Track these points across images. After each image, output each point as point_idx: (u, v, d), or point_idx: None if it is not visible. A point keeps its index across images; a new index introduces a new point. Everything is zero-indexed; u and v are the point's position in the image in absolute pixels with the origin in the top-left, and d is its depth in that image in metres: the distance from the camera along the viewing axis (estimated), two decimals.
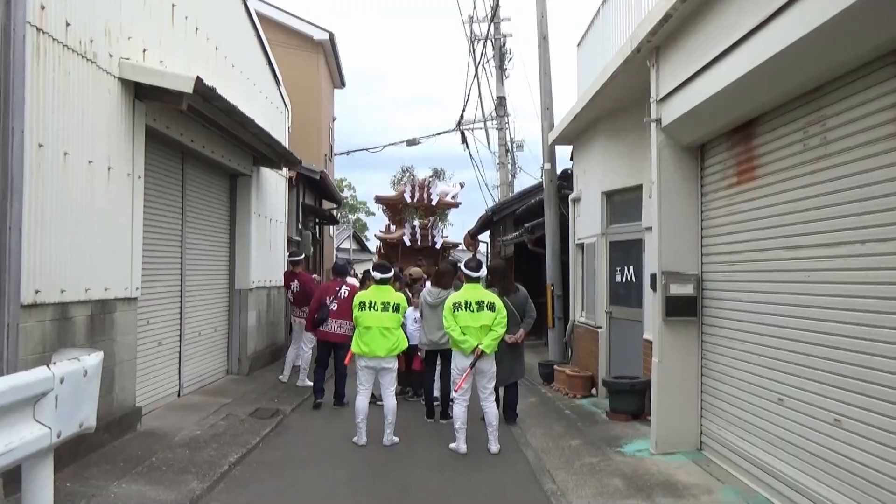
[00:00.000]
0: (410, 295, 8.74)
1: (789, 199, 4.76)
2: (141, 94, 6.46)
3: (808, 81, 4.39)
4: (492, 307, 6.48)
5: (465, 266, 6.74)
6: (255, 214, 10.44)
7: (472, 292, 6.55)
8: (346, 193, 58.63)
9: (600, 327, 9.00)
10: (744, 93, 4.91)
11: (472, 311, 6.44)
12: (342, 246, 43.93)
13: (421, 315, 7.97)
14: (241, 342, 10.07)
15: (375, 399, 7.80)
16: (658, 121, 6.28)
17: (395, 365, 6.81)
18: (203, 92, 6.51)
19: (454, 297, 6.62)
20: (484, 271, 6.77)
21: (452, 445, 6.60)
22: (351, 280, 9.30)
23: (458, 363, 6.52)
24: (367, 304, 6.71)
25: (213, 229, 9.42)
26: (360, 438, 6.74)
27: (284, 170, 12.21)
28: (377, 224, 44.71)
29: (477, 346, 6.36)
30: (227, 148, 9.08)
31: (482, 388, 6.57)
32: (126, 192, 6.30)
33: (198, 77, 6.20)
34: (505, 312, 6.54)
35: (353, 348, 6.71)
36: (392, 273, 7.02)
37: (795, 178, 4.69)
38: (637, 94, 7.23)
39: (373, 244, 30.10)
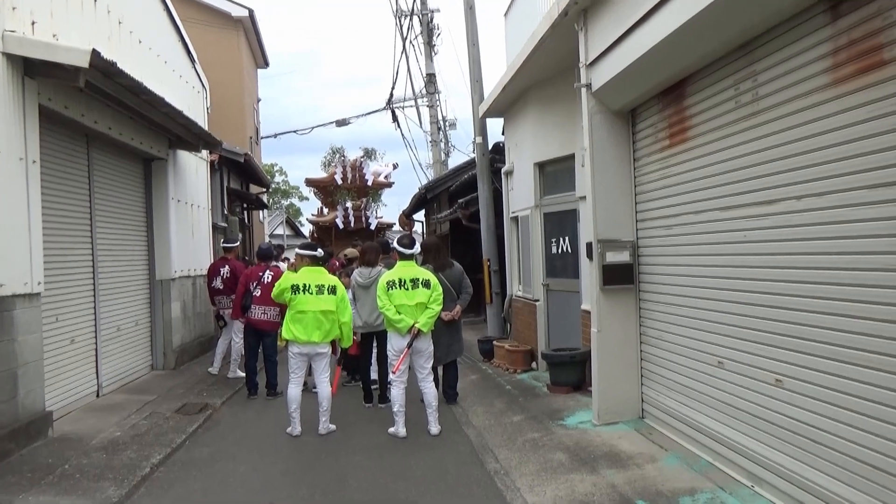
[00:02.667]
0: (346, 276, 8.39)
1: (723, 158, 4.66)
2: (31, 70, 5.88)
3: (738, 35, 4.26)
4: (427, 284, 6.25)
5: (398, 243, 6.47)
6: (174, 200, 9.88)
7: (405, 270, 6.30)
8: (279, 178, 57.31)
9: (538, 300, 8.90)
10: (673, 51, 4.77)
11: (407, 289, 6.20)
12: (276, 232, 42.91)
13: (353, 297, 7.66)
14: (165, 335, 9.56)
15: (308, 387, 7.50)
16: (588, 86, 6.12)
17: (328, 350, 6.50)
18: (102, 67, 5.98)
19: (387, 275, 6.36)
20: (417, 248, 6.52)
21: (391, 430, 6.36)
22: (280, 265, 8.90)
23: (395, 344, 6.28)
24: (302, 288, 6.30)
25: (127, 217, 8.84)
26: (293, 429, 6.43)
27: (205, 153, 11.63)
28: (311, 209, 43.84)
29: (413, 325, 6.13)
30: (137, 130, 8.49)
31: (419, 368, 6.35)
32: (18, 178, 5.73)
33: (94, 50, 5.67)
34: (440, 289, 6.34)
35: (285, 334, 6.32)
36: (320, 252, 6.65)
37: (728, 136, 4.59)
38: (567, 62, 7.06)
39: (307, 229, 29.38)
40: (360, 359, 7.90)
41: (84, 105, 7.00)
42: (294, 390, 6.41)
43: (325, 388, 6.51)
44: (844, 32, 3.48)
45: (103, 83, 6.58)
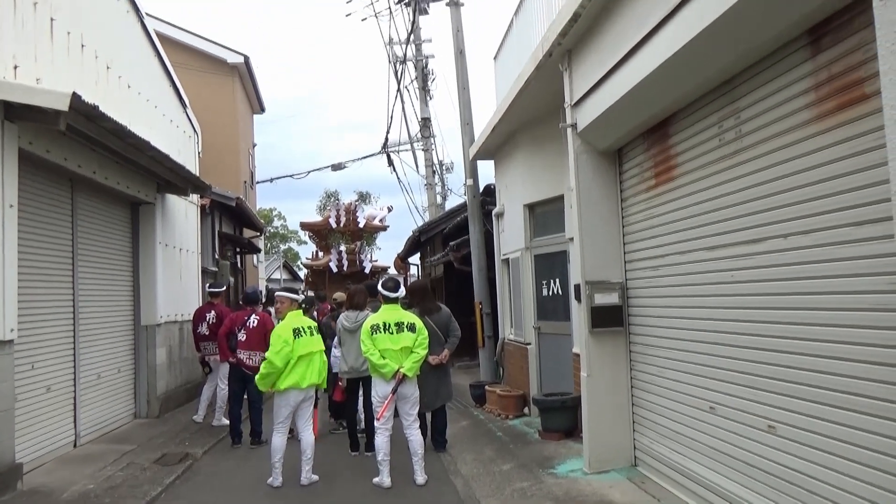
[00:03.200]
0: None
1: (708, 197, 4.57)
2: (12, 114, 5.82)
3: (720, 72, 4.20)
4: (412, 328, 6.11)
5: (383, 286, 6.34)
6: (162, 244, 9.77)
7: (390, 313, 6.17)
8: (277, 223, 57.50)
9: (529, 343, 8.74)
10: (656, 89, 4.72)
11: (392, 333, 6.06)
12: (273, 276, 42.90)
13: (339, 342, 7.49)
14: (149, 382, 9.34)
15: (294, 434, 7.28)
16: (573, 126, 6.08)
17: (314, 395, 6.34)
18: (83, 110, 5.93)
19: (372, 318, 6.23)
20: (402, 291, 6.39)
21: (376, 480, 6.13)
22: (270, 310, 8.74)
23: (379, 390, 6.10)
24: (301, 331, 6.12)
25: (112, 262, 8.72)
26: (275, 479, 6.19)
27: (195, 197, 11.58)
28: (309, 253, 44.00)
29: (398, 370, 5.95)
30: (124, 174, 8.43)
31: (405, 414, 6.16)
32: None
33: (74, 93, 5.62)
34: (426, 333, 6.22)
35: (282, 384, 6.03)
36: (301, 296, 6.52)
37: (713, 174, 4.50)
38: (554, 103, 7.05)
39: (305, 273, 29.24)
40: (345, 405, 7.68)
41: (67, 149, 6.94)
42: (280, 440, 6.20)
43: (309, 435, 6.31)
44: (825, 67, 3.41)
45: (86, 127, 6.52)
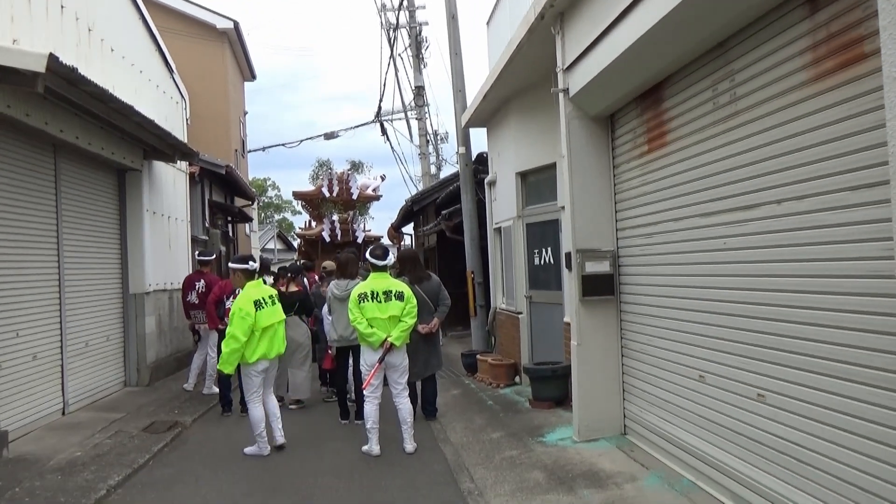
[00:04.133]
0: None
1: (701, 162, 4.46)
2: None
3: (715, 32, 4.07)
4: (400, 296, 6.03)
5: (371, 254, 6.25)
6: (150, 212, 9.65)
7: (378, 281, 6.09)
8: (271, 193, 57.15)
9: (521, 313, 8.70)
10: (649, 51, 4.58)
11: (380, 302, 5.99)
12: (267, 246, 42.75)
13: (329, 310, 7.43)
14: (139, 350, 9.29)
15: (285, 402, 7.27)
16: (565, 90, 5.95)
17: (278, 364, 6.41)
18: (61, 72, 5.74)
19: (359, 287, 6.17)
20: (391, 259, 6.30)
21: (365, 448, 6.11)
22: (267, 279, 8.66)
23: (367, 358, 6.05)
24: (262, 302, 6.04)
25: (98, 229, 8.59)
26: (262, 450, 6.18)
27: (183, 164, 11.43)
28: (302, 223, 43.78)
29: (386, 339, 5.89)
30: (108, 140, 8.26)
31: (394, 383, 6.11)
32: None
33: (51, 54, 5.43)
34: (415, 301, 6.14)
35: (252, 357, 5.97)
36: (252, 265, 6.36)
37: (707, 139, 4.39)
38: (546, 69, 6.89)
39: (297, 243, 29.09)
40: (335, 373, 7.65)
41: (48, 113, 6.77)
42: (258, 411, 6.15)
43: (276, 399, 6.43)
44: (823, 26, 3.28)
45: (66, 90, 6.35)
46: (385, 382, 6.20)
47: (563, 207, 6.88)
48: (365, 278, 7.82)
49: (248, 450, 6.20)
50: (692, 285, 4.66)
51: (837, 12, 3.18)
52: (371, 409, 6.07)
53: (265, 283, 6.64)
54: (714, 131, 4.29)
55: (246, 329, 5.84)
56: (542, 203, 8.31)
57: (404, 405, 6.11)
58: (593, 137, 5.98)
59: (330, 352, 7.66)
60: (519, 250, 8.76)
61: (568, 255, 6.12)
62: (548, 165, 7.90)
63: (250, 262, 6.33)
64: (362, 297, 6.03)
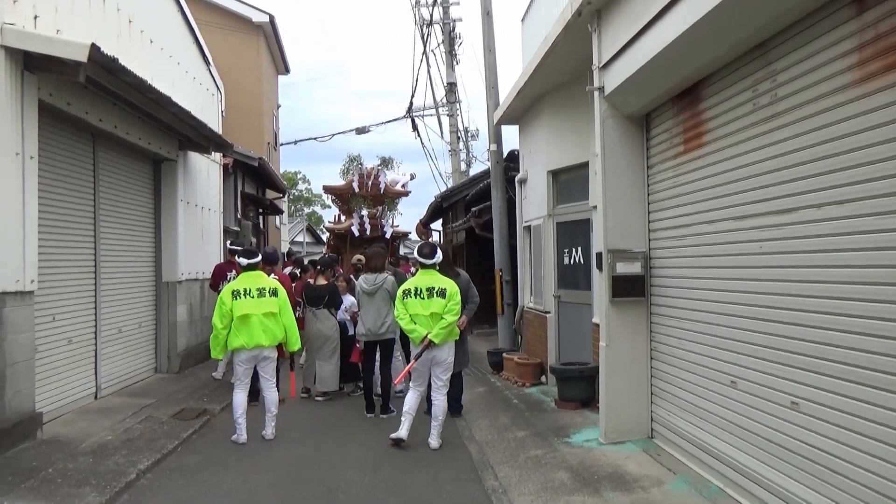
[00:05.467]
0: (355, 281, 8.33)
1: (738, 164, 4.40)
2: (31, 65, 5.78)
3: (756, 33, 4.00)
4: (442, 293, 6.08)
5: (418, 252, 6.34)
6: (184, 202, 9.79)
7: (424, 278, 6.20)
8: (301, 186, 57.62)
9: (549, 312, 8.67)
10: (688, 51, 4.52)
11: (423, 298, 6.08)
12: (296, 239, 43.18)
13: (358, 304, 7.49)
14: (170, 338, 9.44)
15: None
16: (601, 89, 5.91)
17: (275, 355, 6.46)
18: (102, 62, 5.85)
19: (407, 283, 6.30)
20: (439, 256, 6.30)
21: (393, 435, 6.15)
22: (286, 270, 8.77)
23: (414, 350, 6.22)
24: (242, 292, 6.19)
25: (134, 218, 8.75)
26: (239, 436, 6.30)
27: (217, 156, 11.58)
28: (332, 216, 44.15)
29: (426, 336, 5.96)
30: (145, 130, 8.40)
31: (436, 377, 6.19)
32: (14, 174, 5.62)
33: (93, 44, 5.54)
34: (458, 299, 6.15)
35: (230, 344, 6.21)
36: (258, 258, 6.51)
37: (744, 141, 4.32)
38: (581, 66, 6.84)
39: (325, 237, 29.30)
40: (363, 367, 7.70)
41: (88, 102, 6.91)
42: (239, 397, 6.30)
43: (272, 393, 6.49)
44: (871, 26, 3.21)
45: (106, 80, 6.47)
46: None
47: (594, 207, 6.85)
48: (393, 273, 7.88)
49: (233, 436, 6.35)
50: (725, 289, 4.60)
51: (886, 12, 3.11)
52: (412, 396, 6.20)
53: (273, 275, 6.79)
54: (753, 133, 4.22)
55: (221, 316, 6.15)
56: (573, 202, 8.26)
57: (440, 402, 6.16)
58: (627, 136, 5.93)
59: (358, 345, 7.70)
60: (548, 249, 8.73)
61: (599, 256, 6.08)
62: (580, 164, 7.85)
63: (241, 259, 6.44)
64: (406, 293, 6.13)
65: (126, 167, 8.51)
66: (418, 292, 6.09)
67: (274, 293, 6.31)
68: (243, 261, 6.41)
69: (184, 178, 9.85)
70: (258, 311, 6.19)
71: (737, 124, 4.42)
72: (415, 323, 6.05)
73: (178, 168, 9.59)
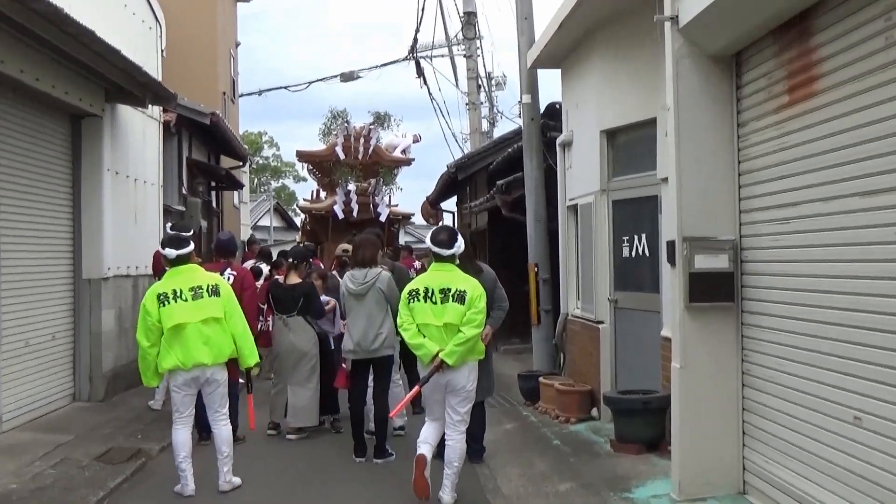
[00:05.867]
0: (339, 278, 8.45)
1: (866, 119, 4.35)
2: None
3: None
4: (461, 298, 6.01)
5: (432, 240, 6.25)
6: (111, 172, 9.90)
7: (437, 276, 6.15)
8: (268, 152, 58.12)
9: (602, 322, 8.70)
10: None
11: (435, 303, 6.03)
12: (261, 223, 43.55)
13: (343, 310, 7.50)
14: (93, 354, 9.57)
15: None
16: (674, 19, 5.91)
17: (224, 376, 6.43)
18: None
19: (414, 282, 6.30)
20: (459, 246, 6.24)
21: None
22: (247, 264, 8.80)
23: (421, 373, 6.18)
24: (171, 295, 6.15)
25: (44, 193, 8.86)
26: (184, 486, 6.32)
27: (156, 110, 11.72)
28: (308, 192, 44.27)
29: (436, 354, 5.94)
30: (60, 75, 8.47)
31: (451, 410, 6.14)
32: None
33: None
34: (483, 305, 6.11)
35: (164, 364, 6.19)
36: (189, 247, 6.44)
37: (875, 87, 4.27)
38: None
39: (300, 219, 29.46)
40: (350, 394, 7.73)
41: None
42: (180, 435, 6.31)
43: (225, 430, 6.48)
44: None
45: (9, 7, 6.49)
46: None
47: (664, 179, 6.86)
48: (390, 268, 7.85)
49: (176, 487, 6.38)
50: (847, 291, 4.57)
51: None
52: (430, 428, 6.18)
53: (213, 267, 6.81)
54: (885, 77, 4.18)
55: (146, 331, 6.15)
56: (635, 173, 8.27)
57: (455, 441, 6.13)
58: (710, 84, 5.92)
59: (344, 366, 7.72)
60: (602, 237, 8.73)
61: (670, 246, 6.08)
62: (645, 122, 7.85)
63: (168, 249, 6.38)
64: (413, 296, 6.09)
65: (34, 125, 8.61)
66: (429, 295, 6.04)
67: (214, 291, 6.29)
68: (170, 252, 6.32)
69: (111, 140, 9.92)
70: (195, 318, 6.15)
71: (863, 65, 4.38)
72: (423, 336, 6.02)
73: (103, 126, 9.68)
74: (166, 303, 6.14)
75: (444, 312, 6.00)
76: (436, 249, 6.18)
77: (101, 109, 9.55)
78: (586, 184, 9.15)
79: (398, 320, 6.26)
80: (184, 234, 6.66)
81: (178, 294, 6.16)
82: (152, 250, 11.03)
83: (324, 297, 8.36)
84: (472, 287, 6.10)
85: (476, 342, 6.10)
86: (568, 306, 10.12)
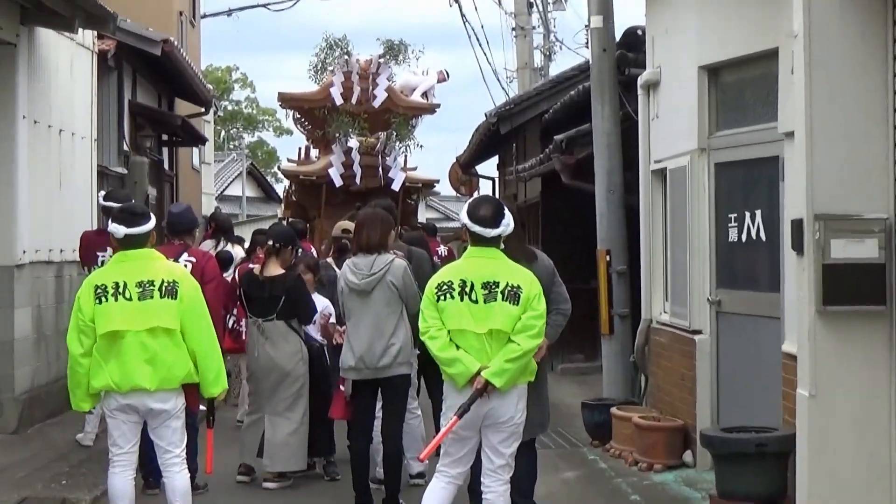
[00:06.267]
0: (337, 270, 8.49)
1: None
2: None
3: None
4: (513, 295, 5.97)
5: (471, 215, 6.17)
6: (28, 121, 10.00)
7: (477, 265, 6.09)
8: (240, 94, 58.48)
9: (700, 332, 8.72)
10: None
11: (475, 302, 5.97)
12: (229, 192, 43.86)
13: (342, 311, 7.56)
14: (1, 371, 9.62)
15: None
16: None
17: (177, 406, 6.33)
18: None
19: (443, 273, 6.22)
20: (507, 223, 6.20)
21: None
22: (205, 246, 8.78)
23: (450, 401, 6.12)
24: (111, 290, 6.11)
25: None
26: None
27: (88, 36, 11.75)
28: (293, 149, 44.24)
29: (478, 373, 5.89)
30: None
31: (491, 451, 6.11)
32: None
33: None
34: (543, 308, 6.10)
35: (94, 382, 6.15)
36: (147, 225, 6.34)
37: None
38: None
39: (283, 187, 29.56)
40: (351, 428, 7.80)
41: None
42: (120, 481, 6.30)
43: (178, 476, 6.38)
44: None
45: None
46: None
47: (788, 134, 6.84)
48: (406, 255, 7.84)
49: None
50: None
51: None
52: (439, 490, 6.10)
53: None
54: None
55: (79, 333, 6.11)
56: (747, 126, 8.28)
57: (498, 496, 6.10)
58: (855, 2, 5.86)
59: (342, 389, 7.74)
60: (700, 213, 8.74)
61: (796, 226, 6.11)
62: (760, 54, 7.88)
63: (116, 226, 6.28)
64: (445, 291, 6.01)
65: None
66: (467, 290, 5.98)
67: (170, 292, 6.18)
68: (119, 229, 6.25)
69: (28, 78, 10.01)
70: (137, 326, 6.09)
71: None
72: (457, 348, 5.98)
73: (17, 58, 9.77)
74: (103, 299, 6.08)
75: (488, 315, 5.94)
76: (476, 228, 6.08)
77: (13, 35, 9.60)
78: (679, 140, 9.14)
79: (420, 325, 6.14)
80: (138, 208, 6.62)
81: (121, 289, 6.10)
82: (83, 225, 11.12)
83: (316, 298, 8.33)
84: (529, 282, 6.05)
85: (530, 357, 6.07)
86: (652, 310, 10.14)
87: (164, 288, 6.16)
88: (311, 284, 8.53)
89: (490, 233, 6.03)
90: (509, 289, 5.95)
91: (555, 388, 12.11)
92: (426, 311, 6.07)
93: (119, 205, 6.97)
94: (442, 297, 5.99)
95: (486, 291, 5.94)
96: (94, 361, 6.08)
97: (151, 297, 6.12)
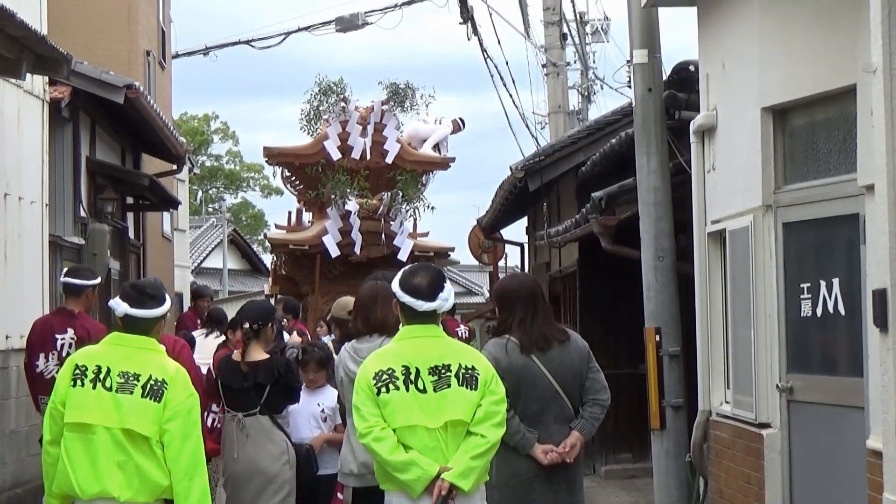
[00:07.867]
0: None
1: None
2: None
3: None
4: (471, 379, 5.99)
5: (402, 285, 6.18)
6: None
7: (420, 346, 6.09)
8: (220, 148, 58.82)
9: (768, 426, 8.71)
10: None
11: (422, 391, 5.95)
12: (206, 263, 44.00)
13: (341, 406, 7.52)
14: None
15: None
16: None
17: None
18: None
19: (376, 358, 6.14)
20: (448, 298, 6.20)
21: None
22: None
23: None
24: (91, 373, 6.07)
25: None
26: None
27: (38, 82, 11.85)
28: (283, 213, 44.33)
29: (438, 476, 5.86)
30: None
31: None
32: None
33: None
34: (502, 390, 6.11)
35: (57, 481, 6.04)
36: (160, 309, 6.34)
37: None
38: None
39: (270, 258, 29.71)
40: None
41: None
42: None
43: None
44: None
45: None
46: None
47: (868, 188, 6.90)
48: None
49: None
50: None
51: None
52: None
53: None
54: None
55: (51, 417, 6.14)
56: (820, 178, 8.35)
57: None
58: None
59: (341, 498, 7.72)
60: (766, 283, 8.78)
61: (879, 297, 6.20)
62: (835, 93, 7.96)
63: (124, 304, 6.25)
64: (384, 381, 5.94)
65: None
66: (412, 378, 5.93)
67: (155, 392, 6.10)
68: (119, 307, 6.23)
69: None
70: (109, 422, 6.06)
71: None
72: (405, 448, 5.90)
73: None
74: (79, 382, 6.04)
75: (442, 405, 5.90)
76: (406, 299, 6.07)
77: None
78: (740, 196, 9.22)
79: (358, 425, 6.01)
80: (150, 287, 6.57)
81: (101, 375, 6.06)
82: (32, 309, 11.19)
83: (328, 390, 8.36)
84: (483, 363, 6.11)
85: (492, 450, 6.04)
86: (711, 399, 10.14)
87: (148, 385, 6.07)
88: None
89: (423, 306, 6.03)
90: (464, 371, 5.95)
91: (598, 495, 12.06)
92: (364, 409, 5.94)
93: (139, 282, 6.96)
94: (383, 389, 5.91)
95: (436, 377, 5.92)
96: (62, 457, 5.99)
97: (131, 393, 6.04)
